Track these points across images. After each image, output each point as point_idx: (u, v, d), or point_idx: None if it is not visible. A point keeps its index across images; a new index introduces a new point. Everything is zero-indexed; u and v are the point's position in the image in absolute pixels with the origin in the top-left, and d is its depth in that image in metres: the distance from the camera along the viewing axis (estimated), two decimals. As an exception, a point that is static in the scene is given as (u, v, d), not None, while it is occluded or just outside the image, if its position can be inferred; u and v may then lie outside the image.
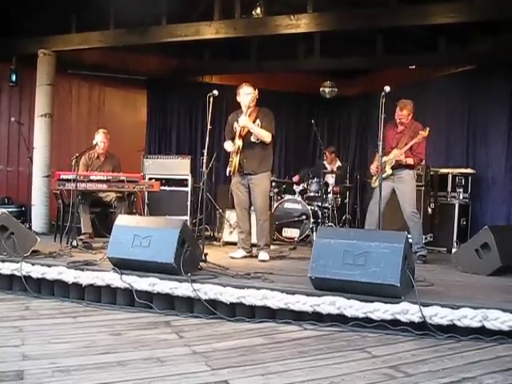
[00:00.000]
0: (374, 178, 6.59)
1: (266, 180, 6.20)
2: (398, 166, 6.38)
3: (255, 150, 6.07)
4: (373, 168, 6.64)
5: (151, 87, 10.86)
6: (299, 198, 8.61)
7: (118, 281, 4.50)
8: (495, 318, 3.55)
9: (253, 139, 6.05)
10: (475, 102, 8.73)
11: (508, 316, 3.54)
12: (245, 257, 6.23)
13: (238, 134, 6.03)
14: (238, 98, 6.16)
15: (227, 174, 6.36)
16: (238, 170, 6.11)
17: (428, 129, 6.27)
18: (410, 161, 6.34)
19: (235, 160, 6.06)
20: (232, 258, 6.11)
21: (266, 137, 6.04)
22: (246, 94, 6.06)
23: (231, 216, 7.66)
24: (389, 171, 6.37)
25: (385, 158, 6.26)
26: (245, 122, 5.95)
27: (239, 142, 6.01)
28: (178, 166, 8.82)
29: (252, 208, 6.41)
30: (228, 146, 6.19)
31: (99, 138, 7.27)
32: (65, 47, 8.70)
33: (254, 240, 6.44)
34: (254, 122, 6.03)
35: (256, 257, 6.20)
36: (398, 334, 3.67)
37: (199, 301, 4.23)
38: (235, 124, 6.16)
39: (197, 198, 7.32)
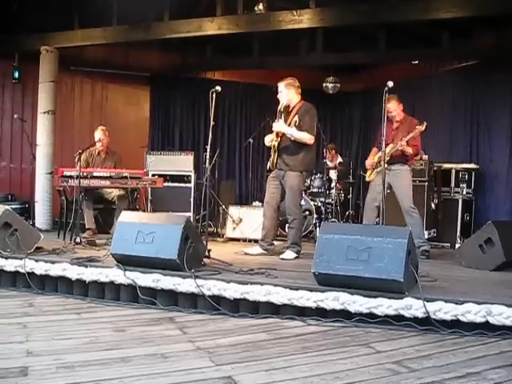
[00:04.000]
0: (369, 172, 6.61)
1: (296, 179, 5.99)
2: (394, 160, 6.35)
3: (288, 147, 5.99)
4: (368, 162, 6.65)
5: (154, 83, 10.88)
6: (302, 194, 8.60)
7: (121, 277, 4.51)
8: (499, 313, 3.54)
9: (288, 135, 5.96)
10: (478, 97, 8.72)
11: (512, 311, 3.54)
12: (261, 254, 6.12)
13: (274, 133, 6.02)
14: None
15: (267, 169, 6.33)
16: (275, 166, 6.10)
17: (425, 123, 6.24)
18: (410, 150, 6.30)
19: (273, 157, 6.07)
20: (246, 254, 6.06)
21: (307, 139, 5.91)
22: (278, 92, 6.07)
23: (234, 212, 7.67)
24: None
25: (380, 153, 6.26)
26: (278, 128, 5.96)
27: (274, 142, 6.02)
28: (181, 162, 8.82)
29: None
30: (266, 139, 6.19)
31: (98, 135, 7.30)
32: (67, 44, 8.69)
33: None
34: (292, 118, 5.96)
35: (271, 255, 6.16)
36: (402, 330, 3.67)
37: (203, 297, 4.23)
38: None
39: (200, 194, 7.32)
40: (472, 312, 3.59)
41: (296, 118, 5.94)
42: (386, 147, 6.33)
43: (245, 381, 2.70)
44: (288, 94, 6.03)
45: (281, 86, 6.04)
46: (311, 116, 6.00)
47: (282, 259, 5.87)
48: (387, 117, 6.35)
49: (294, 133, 5.90)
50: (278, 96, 6.08)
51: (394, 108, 6.40)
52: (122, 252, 4.69)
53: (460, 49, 8.77)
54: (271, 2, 8.18)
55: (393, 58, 9.47)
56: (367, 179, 6.67)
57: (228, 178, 10.92)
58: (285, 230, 8.31)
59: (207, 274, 4.47)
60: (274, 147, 6.03)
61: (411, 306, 3.71)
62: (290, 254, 5.98)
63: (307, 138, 5.91)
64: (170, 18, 8.20)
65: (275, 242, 7.17)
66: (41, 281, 4.86)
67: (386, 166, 6.28)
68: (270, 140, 6.12)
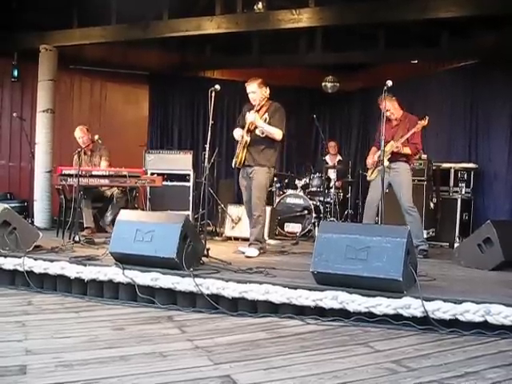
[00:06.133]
0: (370, 171, 6.60)
1: (263, 174, 6.00)
2: (394, 158, 6.35)
3: (258, 143, 5.98)
4: (369, 161, 6.65)
5: (153, 82, 10.86)
6: (301, 193, 8.62)
7: (120, 276, 4.51)
8: (498, 312, 3.54)
9: (257, 132, 5.97)
10: (477, 97, 8.71)
11: (511, 311, 3.53)
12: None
13: (246, 128, 5.97)
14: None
15: (232, 166, 6.27)
16: (243, 164, 6.06)
17: (427, 117, 6.25)
18: (407, 150, 6.31)
19: (241, 154, 6.01)
20: (243, 253, 5.99)
21: (277, 135, 5.95)
22: (249, 93, 6.04)
23: (233, 211, 7.67)
24: (385, 163, 6.35)
25: (380, 152, 6.24)
26: (253, 118, 5.89)
27: (247, 137, 5.96)
28: (180, 161, 8.82)
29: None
30: (236, 133, 6.11)
31: (77, 135, 7.36)
32: (66, 42, 8.68)
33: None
34: (262, 116, 5.95)
35: (264, 253, 6.15)
36: (401, 329, 3.67)
37: (201, 295, 4.24)
38: (247, 115, 6.08)
39: (199, 193, 7.32)
40: (471, 311, 3.59)
41: (266, 115, 5.96)
42: (386, 144, 6.36)
43: (243, 379, 2.70)
44: (261, 92, 6.03)
45: (253, 86, 5.99)
46: (281, 114, 6.03)
47: (247, 257, 5.79)
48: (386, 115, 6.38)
49: (266, 127, 5.91)
50: (250, 96, 6.05)
51: (389, 107, 6.38)
52: (120, 251, 4.69)
53: (459, 48, 8.76)
54: (270, 1, 8.18)
55: (392, 57, 9.46)
56: (368, 178, 6.65)
57: (227, 177, 10.89)
58: (283, 229, 8.35)
59: (206, 273, 4.47)
60: (245, 143, 5.97)
61: (410, 306, 3.71)
62: (253, 252, 5.91)
63: (279, 133, 5.96)
64: (169, 16, 8.19)
65: (272, 242, 7.20)
66: (39, 279, 4.86)
67: (387, 162, 6.32)
68: (240, 135, 6.04)
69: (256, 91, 5.99)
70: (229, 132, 11.12)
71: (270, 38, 9.38)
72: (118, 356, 3.01)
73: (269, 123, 5.94)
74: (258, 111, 6.01)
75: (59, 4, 8.25)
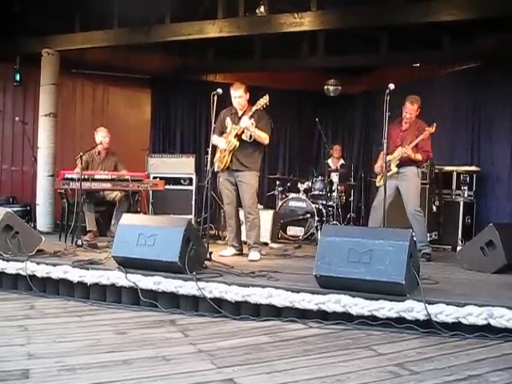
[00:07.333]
0: (379, 176, 6.56)
1: (253, 178, 6.06)
2: (404, 163, 6.34)
3: (245, 148, 6.01)
4: (377, 167, 6.62)
5: (155, 86, 10.87)
6: (304, 197, 8.61)
7: (122, 280, 4.50)
8: (501, 315, 3.53)
9: (244, 137, 5.98)
10: (480, 100, 8.70)
11: (514, 313, 3.53)
12: (235, 255, 6.17)
13: (234, 133, 5.96)
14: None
15: (215, 170, 6.24)
16: (227, 168, 6.07)
17: (435, 124, 6.26)
18: (419, 156, 6.32)
19: (227, 158, 6.01)
20: (221, 256, 6.00)
21: (265, 139, 6.01)
22: (234, 98, 6.10)
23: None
24: (394, 169, 6.34)
25: (389, 157, 6.23)
26: (247, 124, 5.88)
27: (236, 142, 5.95)
28: (183, 165, 8.83)
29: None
30: (221, 143, 6.06)
31: (102, 134, 7.30)
32: (69, 47, 8.70)
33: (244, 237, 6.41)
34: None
35: (240, 255, 6.19)
36: (403, 332, 3.67)
37: (204, 299, 4.23)
38: (227, 120, 6.14)
39: (201, 197, 7.32)
40: (473, 314, 3.59)
41: (252, 120, 5.95)
42: (395, 150, 6.36)
43: (246, 383, 2.70)
44: (246, 98, 6.11)
45: (240, 91, 6.07)
46: (267, 119, 6.10)
47: (250, 261, 5.83)
48: (396, 118, 6.38)
49: (258, 132, 5.94)
50: (234, 101, 6.14)
51: (415, 110, 6.38)
52: (123, 254, 4.70)
53: (461, 51, 8.75)
54: (272, 5, 8.18)
55: (394, 60, 9.46)
56: (377, 184, 6.61)
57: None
58: (286, 233, 8.34)
59: (208, 277, 4.47)
60: (234, 148, 5.96)
61: (413, 309, 3.71)
62: (256, 255, 5.97)
63: (267, 138, 6.02)
64: (171, 20, 8.20)
65: (275, 245, 7.20)
66: (42, 283, 4.86)
67: (396, 169, 6.32)
68: (227, 142, 6.01)
69: (243, 96, 6.07)
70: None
71: (272, 42, 9.38)
72: (120, 360, 3.00)
73: (256, 128, 5.96)
74: (241, 117, 6.03)
75: (61, 8, 8.28)
